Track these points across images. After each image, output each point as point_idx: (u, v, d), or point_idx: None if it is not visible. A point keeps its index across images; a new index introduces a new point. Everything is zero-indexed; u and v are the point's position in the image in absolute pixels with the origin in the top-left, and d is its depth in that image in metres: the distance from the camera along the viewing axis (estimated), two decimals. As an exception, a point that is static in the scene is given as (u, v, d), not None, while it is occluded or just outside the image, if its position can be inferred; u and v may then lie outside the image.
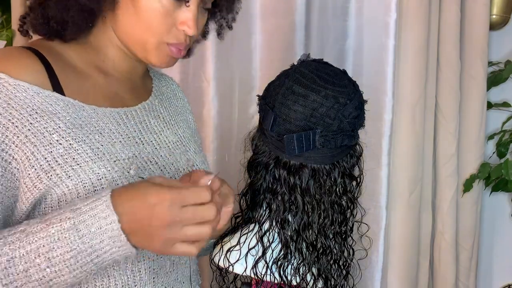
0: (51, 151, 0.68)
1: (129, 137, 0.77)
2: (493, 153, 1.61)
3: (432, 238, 1.58)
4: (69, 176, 0.68)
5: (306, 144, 0.79)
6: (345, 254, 0.88)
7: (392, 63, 1.37)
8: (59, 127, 0.69)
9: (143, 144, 0.79)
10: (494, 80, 1.56)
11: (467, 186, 1.54)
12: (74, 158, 0.69)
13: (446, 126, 1.50)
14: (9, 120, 0.67)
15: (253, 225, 0.87)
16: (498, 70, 1.58)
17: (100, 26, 0.79)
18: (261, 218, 0.86)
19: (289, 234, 0.83)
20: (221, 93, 1.42)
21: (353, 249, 0.91)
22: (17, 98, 0.68)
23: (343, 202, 0.85)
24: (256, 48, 1.40)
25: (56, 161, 0.68)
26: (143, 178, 0.74)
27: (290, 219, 0.83)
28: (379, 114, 1.40)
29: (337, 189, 0.83)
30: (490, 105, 1.59)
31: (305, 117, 0.79)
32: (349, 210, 0.86)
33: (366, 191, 1.46)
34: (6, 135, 0.66)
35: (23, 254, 0.61)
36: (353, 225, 0.89)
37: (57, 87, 0.71)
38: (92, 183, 0.69)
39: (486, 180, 1.56)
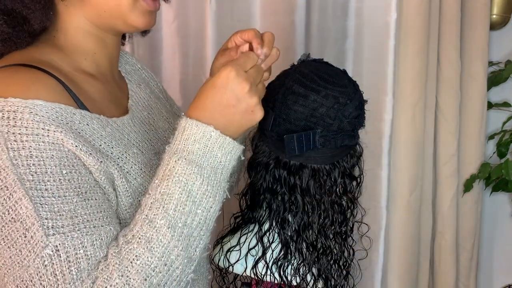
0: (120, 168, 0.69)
1: (146, 142, 0.77)
2: (494, 153, 1.61)
3: (432, 238, 1.58)
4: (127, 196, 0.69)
5: (306, 144, 0.79)
6: (345, 254, 0.88)
7: (392, 63, 1.37)
8: (111, 146, 0.68)
9: (152, 144, 0.79)
10: (494, 80, 1.56)
11: (467, 186, 1.54)
12: (127, 179, 0.69)
13: (446, 126, 1.50)
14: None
15: (253, 225, 0.87)
16: (498, 70, 1.58)
17: (64, 16, 0.72)
18: (261, 218, 0.86)
19: (289, 234, 0.83)
20: (221, 93, 1.42)
21: (353, 249, 0.90)
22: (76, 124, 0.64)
23: (343, 202, 0.85)
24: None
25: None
26: None
27: (290, 219, 0.83)
28: (379, 114, 1.40)
29: (337, 189, 0.83)
30: (490, 105, 1.59)
31: (305, 117, 0.79)
32: (349, 210, 0.86)
33: (366, 191, 1.46)
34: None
35: (173, 213, 0.62)
36: (353, 225, 0.89)
37: (80, 104, 0.67)
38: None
39: (486, 180, 1.56)
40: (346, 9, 1.42)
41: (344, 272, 0.89)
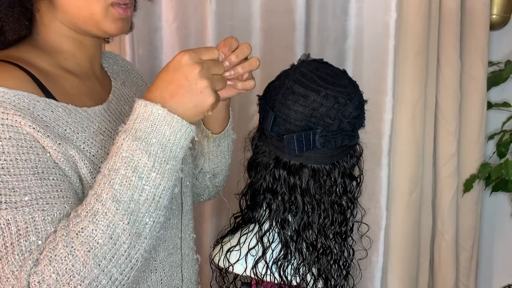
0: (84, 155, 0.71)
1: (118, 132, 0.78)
2: (493, 153, 1.61)
3: (432, 238, 1.58)
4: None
5: (306, 144, 0.79)
6: (345, 254, 0.88)
7: (392, 63, 1.37)
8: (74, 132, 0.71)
9: None
10: (494, 80, 1.56)
11: (467, 186, 1.54)
12: (92, 161, 0.71)
13: (446, 126, 1.50)
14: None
15: (253, 225, 0.87)
16: (498, 70, 1.58)
17: (42, 22, 0.77)
18: (261, 218, 0.86)
19: (289, 234, 0.83)
20: (221, 93, 1.42)
21: (353, 249, 0.90)
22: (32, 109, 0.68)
23: (343, 202, 0.85)
24: (256, 48, 1.40)
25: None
26: None
27: (290, 219, 0.83)
28: (379, 114, 1.40)
29: (337, 189, 0.83)
30: (490, 105, 1.59)
31: (305, 117, 0.79)
32: (349, 210, 0.86)
33: (366, 191, 1.46)
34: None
35: (118, 187, 0.63)
36: (353, 225, 0.89)
37: (48, 94, 0.71)
38: None
39: (486, 180, 1.56)
40: (346, 9, 1.42)
41: (344, 272, 0.89)
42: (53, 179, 0.66)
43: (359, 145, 0.87)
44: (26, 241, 0.63)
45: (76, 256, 0.61)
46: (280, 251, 0.84)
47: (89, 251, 0.61)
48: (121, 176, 0.64)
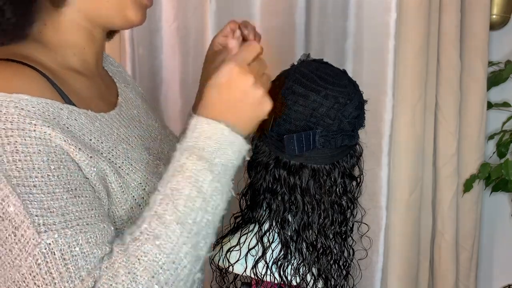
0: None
1: (135, 137, 0.75)
2: (493, 153, 1.61)
3: (432, 238, 1.58)
4: (123, 191, 0.67)
5: (306, 144, 0.79)
6: (345, 254, 0.88)
7: (392, 63, 1.37)
8: (101, 142, 0.66)
9: (141, 140, 0.77)
10: (494, 80, 1.56)
11: (467, 186, 1.54)
12: (119, 173, 0.67)
13: (446, 126, 1.50)
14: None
15: (253, 225, 0.87)
16: (498, 70, 1.58)
17: (53, 10, 0.68)
18: (261, 218, 0.86)
19: (289, 234, 0.83)
20: (221, 93, 1.42)
21: (353, 249, 0.91)
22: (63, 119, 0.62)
23: (343, 202, 0.85)
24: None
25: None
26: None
27: (290, 219, 0.83)
28: (379, 114, 1.40)
29: (337, 189, 0.83)
30: (490, 105, 1.59)
31: (305, 117, 0.79)
32: (349, 210, 0.86)
33: (366, 191, 1.46)
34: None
35: (183, 209, 0.60)
36: (353, 225, 0.89)
37: (66, 99, 0.64)
38: (139, 194, 0.69)
39: (486, 180, 1.56)
40: (346, 10, 1.42)
41: (344, 272, 0.89)
42: (86, 197, 0.60)
43: (359, 145, 0.87)
44: (74, 266, 0.56)
45: (140, 283, 0.56)
46: (280, 251, 0.84)
47: (152, 276, 0.57)
48: (185, 197, 0.60)
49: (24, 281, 0.55)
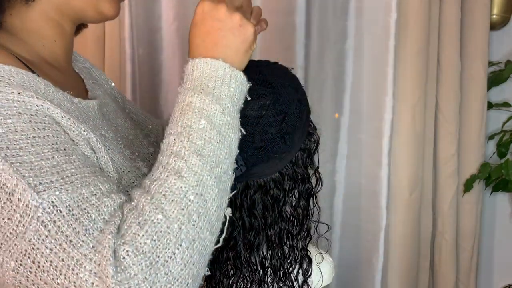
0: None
1: (108, 131, 0.71)
2: (494, 153, 1.61)
3: (432, 238, 1.58)
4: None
5: (240, 166, 0.70)
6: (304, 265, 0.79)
7: (392, 63, 1.37)
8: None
9: (114, 134, 0.73)
10: (494, 80, 1.56)
11: (468, 186, 1.54)
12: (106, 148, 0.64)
13: (446, 126, 1.50)
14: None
15: None
16: (498, 70, 1.58)
17: (29, 3, 0.67)
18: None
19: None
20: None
21: (309, 258, 0.81)
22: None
23: (299, 209, 0.77)
24: (256, 48, 1.40)
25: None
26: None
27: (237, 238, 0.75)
28: (379, 114, 1.40)
29: (291, 198, 0.76)
30: (490, 105, 1.59)
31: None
32: (304, 219, 0.78)
33: (366, 191, 1.47)
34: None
35: (200, 142, 0.57)
36: (309, 231, 0.80)
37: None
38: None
39: (486, 180, 1.57)
40: (346, 9, 1.42)
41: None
42: (78, 156, 0.56)
43: (314, 138, 0.78)
44: (87, 219, 0.50)
45: (170, 217, 0.51)
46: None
47: (182, 209, 0.52)
48: (200, 131, 0.57)
49: (33, 248, 0.49)
